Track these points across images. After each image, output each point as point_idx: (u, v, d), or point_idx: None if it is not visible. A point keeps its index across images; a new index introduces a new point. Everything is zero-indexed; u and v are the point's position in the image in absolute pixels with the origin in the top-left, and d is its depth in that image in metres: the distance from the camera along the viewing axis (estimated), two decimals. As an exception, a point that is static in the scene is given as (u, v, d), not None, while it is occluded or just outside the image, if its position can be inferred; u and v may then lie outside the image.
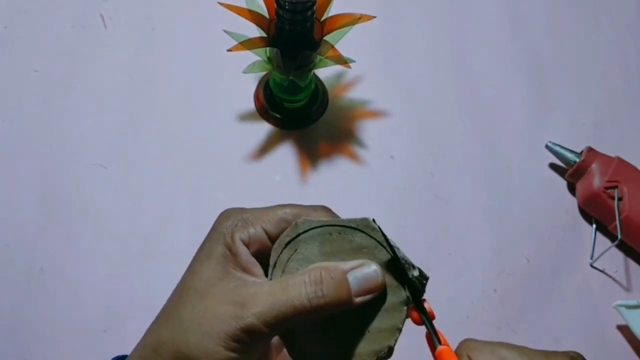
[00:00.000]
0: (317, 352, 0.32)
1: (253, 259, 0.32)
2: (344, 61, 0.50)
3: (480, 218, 0.56)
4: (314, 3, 0.47)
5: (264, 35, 0.50)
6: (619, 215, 0.53)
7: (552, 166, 0.59)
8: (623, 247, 0.56)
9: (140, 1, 0.63)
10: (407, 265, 0.31)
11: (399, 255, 0.31)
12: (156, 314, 0.32)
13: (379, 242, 0.32)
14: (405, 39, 0.64)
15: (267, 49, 0.51)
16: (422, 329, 0.32)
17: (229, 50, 0.48)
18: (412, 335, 0.33)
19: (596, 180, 0.54)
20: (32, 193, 0.53)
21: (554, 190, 0.58)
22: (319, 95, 0.59)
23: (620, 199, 0.54)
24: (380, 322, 0.31)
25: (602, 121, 0.62)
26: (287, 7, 0.46)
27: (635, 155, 0.57)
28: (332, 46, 0.50)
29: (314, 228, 0.32)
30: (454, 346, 0.32)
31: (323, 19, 0.51)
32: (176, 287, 0.33)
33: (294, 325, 0.30)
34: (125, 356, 0.34)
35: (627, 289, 0.54)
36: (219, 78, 0.60)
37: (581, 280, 0.54)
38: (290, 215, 0.33)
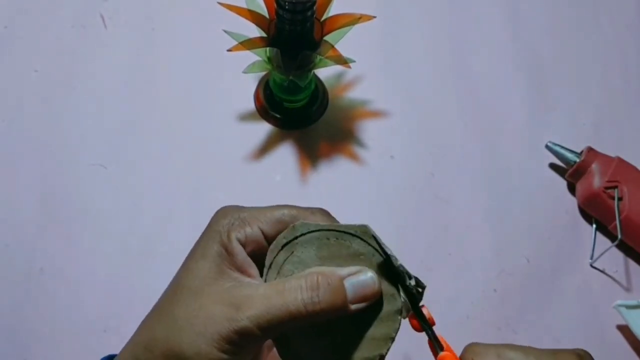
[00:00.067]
0: (311, 356, 0.31)
1: (249, 259, 0.32)
2: (344, 61, 0.50)
3: (480, 218, 0.56)
4: (314, 3, 0.47)
5: (264, 35, 0.50)
6: (619, 215, 0.53)
7: (552, 166, 0.59)
8: (623, 247, 0.56)
9: (140, 1, 0.63)
10: (403, 274, 0.31)
11: (396, 264, 0.31)
12: (156, 314, 0.32)
13: (376, 249, 0.32)
14: (405, 39, 0.64)
15: (267, 49, 0.51)
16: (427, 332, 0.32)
17: (229, 50, 0.48)
18: (414, 337, 0.33)
19: (596, 180, 0.54)
20: (32, 193, 0.53)
21: (554, 190, 0.58)
22: (319, 95, 0.59)
23: (620, 199, 0.54)
24: (374, 330, 0.31)
25: (602, 121, 0.62)
26: (287, 7, 0.46)
27: (635, 155, 0.57)
28: (332, 46, 0.50)
29: (311, 232, 0.32)
30: (457, 348, 0.32)
31: (323, 19, 0.51)
32: (170, 283, 0.33)
33: (287, 329, 0.30)
34: (114, 356, 0.34)
35: (627, 289, 0.54)
36: (219, 78, 0.60)
37: (581, 280, 0.54)
38: (288, 216, 0.33)
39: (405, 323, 0.32)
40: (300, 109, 0.58)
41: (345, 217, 0.56)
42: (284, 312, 0.29)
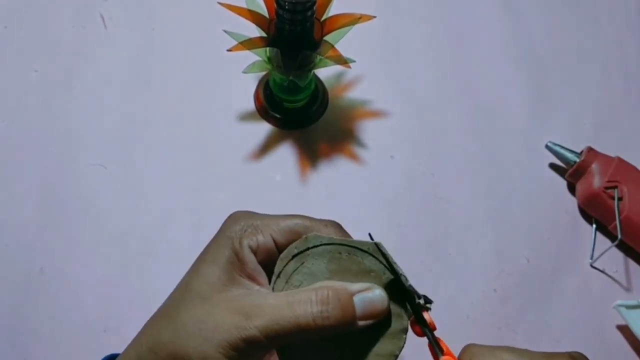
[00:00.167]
0: None
1: (259, 268, 0.32)
2: (344, 61, 0.50)
3: (480, 218, 0.56)
4: (314, 3, 0.47)
5: (264, 35, 0.50)
6: (619, 215, 0.53)
7: (552, 166, 0.59)
8: (623, 247, 0.56)
9: (140, 1, 0.63)
10: (412, 294, 0.31)
11: (406, 284, 0.31)
12: (156, 314, 0.32)
13: (387, 267, 0.32)
14: (405, 39, 0.64)
15: (267, 49, 0.51)
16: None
17: (229, 50, 0.48)
18: (416, 341, 0.33)
19: (596, 180, 0.54)
20: (32, 193, 0.53)
21: (554, 190, 0.58)
22: (319, 95, 0.59)
23: (620, 199, 0.54)
24: (378, 346, 0.31)
25: (602, 121, 0.62)
26: (287, 7, 0.46)
27: (635, 155, 0.57)
28: (332, 46, 0.50)
29: (324, 244, 0.32)
30: (457, 348, 0.32)
31: (323, 19, 0.51)
32: (178, 286, 0.33)
33: (294, 340, 0.30)
34: (116, 355, 0.34)
35: (627, 289, 0.54)
36: (219, 78, 0.60)
37: (581, 280, 0.54)
38: (302, 227, 0.33)
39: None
40: (300, 109, 0.58)
41: (345, 216, 0.56)
42: (293, 324, 0.29)
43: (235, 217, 0.33)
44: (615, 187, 0.54)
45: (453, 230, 0.55)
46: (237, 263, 0.32)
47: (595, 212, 0.56)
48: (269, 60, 0.52)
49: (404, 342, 0.31)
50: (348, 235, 0.34)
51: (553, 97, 0.63)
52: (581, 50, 0.66)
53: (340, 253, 0.32)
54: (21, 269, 0.50)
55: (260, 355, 0.30)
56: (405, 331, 0.31)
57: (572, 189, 0.58)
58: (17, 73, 0.59)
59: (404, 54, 0.63)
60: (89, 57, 0.60)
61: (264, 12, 0.50)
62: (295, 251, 0.32)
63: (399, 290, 0.32)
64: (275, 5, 0.47)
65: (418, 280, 0.52)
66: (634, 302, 0.50)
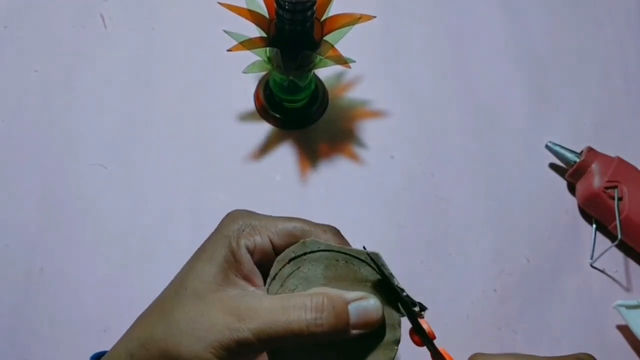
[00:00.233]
0: None
1: (255, 269, 0.32)
2: (344, 61, 0.50)
3: (480, 218, 0.56)
4: (314, 3, 0.47)
5: (264, 35, 0.50)
6: (619, 215, 0.53)
7: (552, 166, 0.59)
8: (623, 247, 0.56)
9: (140, 1, 0.63)
10: (408, 303, 0.31)
11: (401, 294, 0.31)
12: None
13: (383, 278, 0.32)
14: (405, 39, 0.64)
15: (267, 49, 0.51)
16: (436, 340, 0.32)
17: (229, 50, 0.48)
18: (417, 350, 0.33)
19: (596, 180, 0.54)
20: (32, 193, 0.53)
21: (554, 190, 0.58)
22: (319, 95, 0.59)
23: (620, 199, 0.54)
24: (369, 355, 0.31)
25: (602, 121, 0.62)
26: (287, 7, 0.46)
27: (635, 155, 0.57)
28: (332, 46, 0.50)
29: (321, 250, 0.32)
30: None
31: (323, 19, 0.51)
32: (173, 282, 0.33)
33: (286, 344, 0.30)
34: (104, 352, 0.34)
35: (627, 289, 0.54)
36: (219, 78, 0.60)
37: (581, 280, 0.54)
38: (300, 230, 0.33)
39: (405, 338, 0.32)
40: (300, 109, 0.58)
41: (345, 217, 0.56)
42: (286, 329, 0.29)
43: (233, 216, 0.33)
44: (615, 187, 0.54)
45: (453, 230, 0.55)
46: (233, 262, 0.31)
47: (595, 212, 0.56)
48: (269, 60, 0.52)
49: (395, 353, 0.32)
50: (346, 242, 0.34)
51: (553, 97, 0.63)
52: (581, 50, 0.66)
53: (337, 260, 0.32)
54: (21, 269, 0.50)
55: (251, 357, 0.30)
56: (397, 342, 0.32)
57: (572, 189, 0.58)
58: (17, 73, 0.59)
59: (404, 54, 0.63)
60: (89, 57, 0.60)
61: (264, 12, 0.50)
62: (292, 255, 0.32)
63: (395, 300, 0.32)
64: (275, 5, 0.47)
65: (418, 280, 0.52)
66: (634, 302, 0.50)
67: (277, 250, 0.33)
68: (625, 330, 0.53)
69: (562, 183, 0.59)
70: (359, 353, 0.31)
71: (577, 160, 0.56)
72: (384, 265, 0.32)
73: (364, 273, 0.32)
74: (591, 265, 0.55)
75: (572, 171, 0.56)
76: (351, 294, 0.31)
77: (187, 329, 0.29)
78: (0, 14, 0.61)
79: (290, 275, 0.32)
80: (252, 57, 0.51)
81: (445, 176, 0.57)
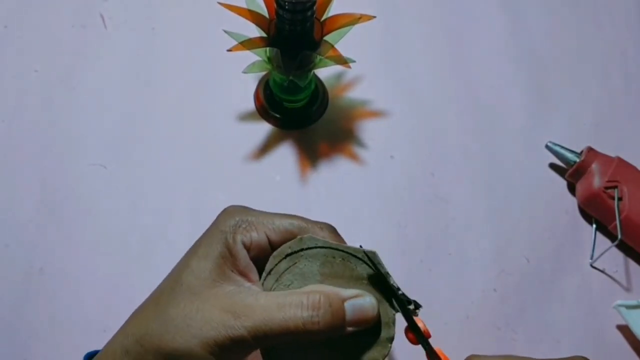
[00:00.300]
0: None
1: (251, 264, 0.32)
2: (344, 61, 0.50)
3: (480, 218, 0.56)
4: (314, 3, 0.47)
5: (264, 35, 0.50)
6: (619, 215, 0.53)
7: (552, 166, 0.59)
8: (623, 247, 0.56)
9: (140, 1, 0.63)
10: (403, 301, 0.31)
11: (397, 293, 0.31)
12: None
13: (379, 276, 0.32)
14: (405, 39, 0.64)
15: (267, 49, 0.51)
16: (433, 339, 0.32)
17: (229, 50, 0.48)
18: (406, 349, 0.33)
19: (596, 180, 0.54)
20: (32, 193, 0.53)
21: (554, 190, 0.58)
22: (319, 95, 0.59)
23: (620, 199, 0.54)
24: (363, 352, 0.31)
25: (602, 121, 0.62)
26: (287, 7, 0.46)
27: (635, 155, 0.57)
28: (332, 46, 0.50)
29: (318, 247, 0.32)
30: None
31: (323, 19, 0.51)
32: (168, 278, 0.33)
33: (281, 341, 0.30)
34: (97, 351, 0.34)
35: (627, 289, 0.54)
36: (219, 78, 0.60)
37: (581, 280, 0.54)
38: (297, 227, 0.33)
39: (401, 336, 0.33)
40: (300, 109, 0.58)
41: (345, 216, 0.56)
42: (282, 327, 0.29)
43: (229, 212, 0.33)
44: (615, 187, 0.54)
45: (453, 230, 0.55)
46: (229, 258, 0.31)
47: (595, 212, 0.56)
48: (269, 60, 0.52)
49: (389, 350, 0.32)
50: (342, 239, 0.35)
51: (553, 97, 0.63)
52: (581, 50, 0.66)
53: (334, 257, 0.32)
54: (21, 268, 0.50)
55: (245, 354, 0.30)
56: (391, 340, 0.32)
57: (572, 189, 0.58)
58: (17, 73, 0.59)
59: (404, 54, 0.63)
60: (89, 57, 0.60)
61: (264, 12, 0.50)
62: (289, 251, 0.32)
63: (390, 297, 0.32)
64: (275, 5, 0.47)
65: (418, 280, 0.52)
66: (634, 302, 0.50)
67: (273, 247, 0.33)
68: (625, 330, 0.53)
69: (562, 183, 0.59)
70: (353, 350, 0.31)
71: (577, 160, 0.56)
72: (380, 263, 0.32)
73: (360, 271, 0.32)
74: (591, 265, 0.55)
75: (572, 171, 0.56)
76: (347, 292, 0.31)
77: (183, 325, 0.29)
78: (0, 14, 0.61)
79: (286, 270, 0.32)
80: (252, 57, 0.51)
81: (445, 176, 0.57)
